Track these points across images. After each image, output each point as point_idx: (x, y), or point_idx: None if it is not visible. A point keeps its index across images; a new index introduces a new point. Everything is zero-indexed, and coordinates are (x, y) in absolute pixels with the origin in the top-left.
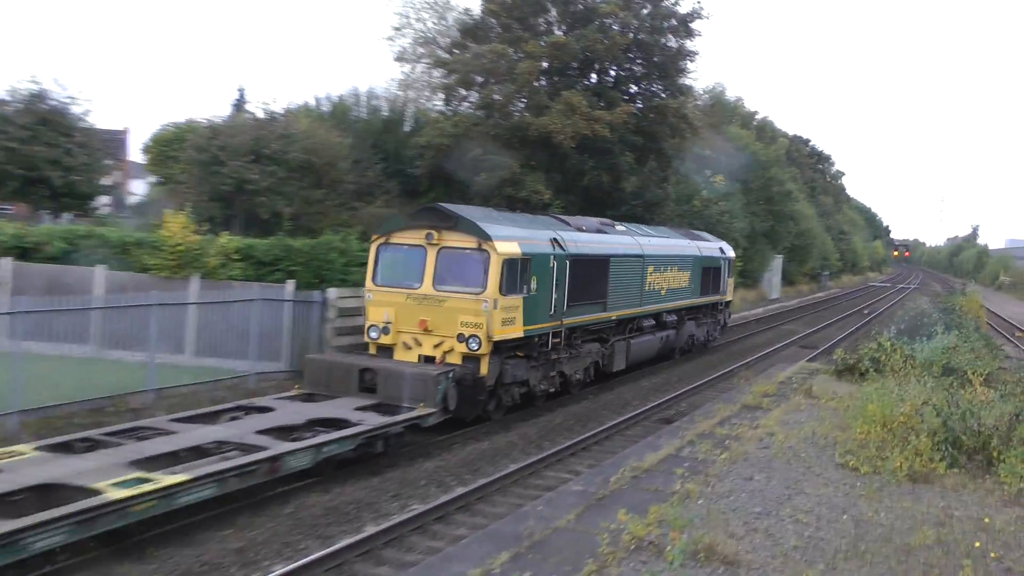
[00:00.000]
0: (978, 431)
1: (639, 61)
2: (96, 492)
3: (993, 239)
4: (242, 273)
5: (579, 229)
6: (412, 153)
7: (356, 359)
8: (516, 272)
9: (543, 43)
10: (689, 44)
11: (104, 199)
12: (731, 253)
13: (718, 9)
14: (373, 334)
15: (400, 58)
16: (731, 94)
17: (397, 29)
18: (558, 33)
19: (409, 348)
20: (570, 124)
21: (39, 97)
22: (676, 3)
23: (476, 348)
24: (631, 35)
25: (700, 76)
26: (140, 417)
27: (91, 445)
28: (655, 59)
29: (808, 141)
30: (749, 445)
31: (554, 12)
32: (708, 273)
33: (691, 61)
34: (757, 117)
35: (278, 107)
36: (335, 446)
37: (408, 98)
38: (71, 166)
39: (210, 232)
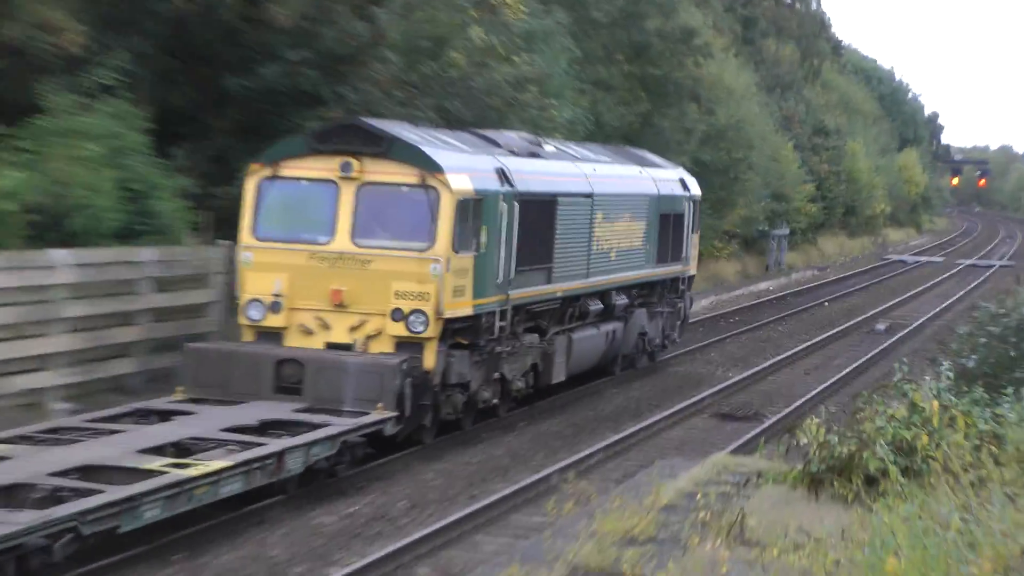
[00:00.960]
0: None
1: None
2: (151, 472)
3: None
4: None
5: (512, 151)
6: None
7: (266, 347)
8: (468, 219)
9: None
10: None
11: None
12: (696, 189)
13: None
14: (254, 313)
15: None
16: None
17: None
18: None
19: (311, 333)
20: None
21: None
22: None
23: (420, 330)
24: None
25: None
26: None
27: (48, 440)
28: None
29: None
30: None
31: None
32: (667, 225)
33: None
34: None
35: None
36: (320, 448)
37: None
38: None
39: None
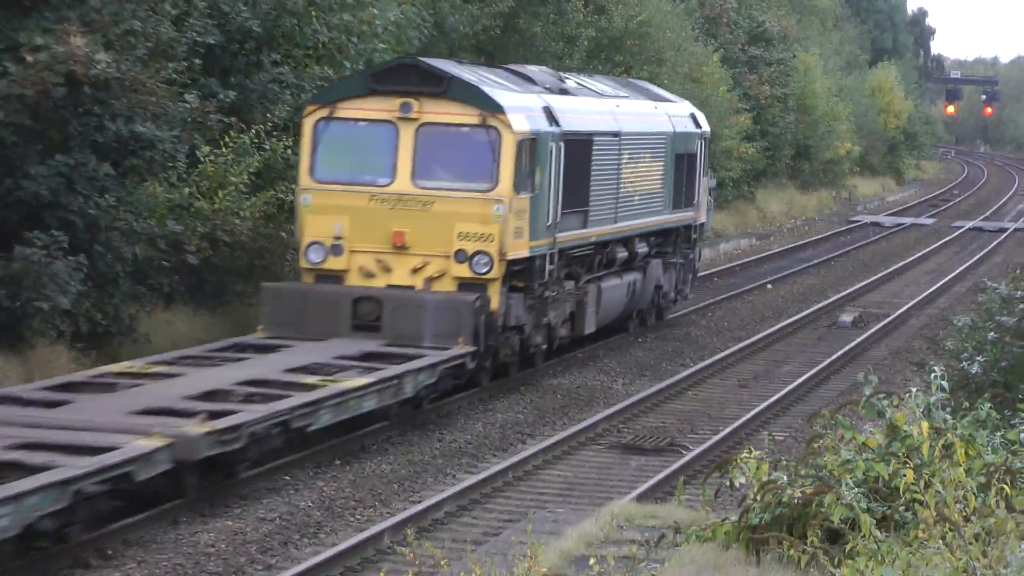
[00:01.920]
0: None
1: None
2: (309, 386)
3: None
4: None
5: (547, 88)
6: None
7: (342, 286)
8: (525, 160)
9: None
10: None
11: None
12: (707, 126)
13: None
14: (315, 256)
15: None
16: None
17: None
18: None
19: (372, 275)
20: None
21: None
22: None
23: (484, 271)
24: None
25: None
26: None
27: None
28: None
29: None
30: None
31: None
32: (682, 166)
33: None
34: None
35: None
36: (425, 376)
37: None
38: None
39: None
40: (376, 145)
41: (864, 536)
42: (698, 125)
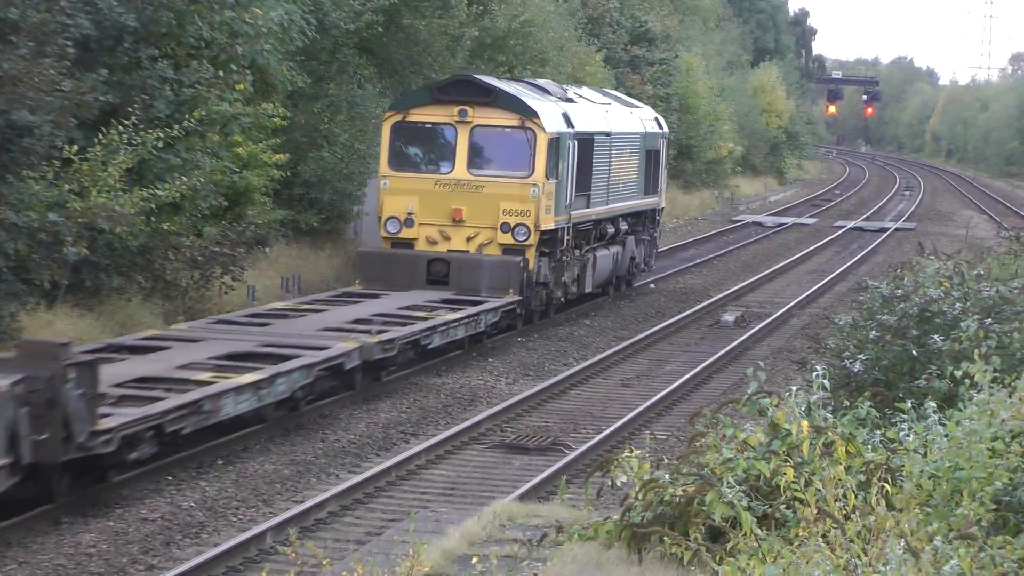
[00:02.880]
0: None
1: None
2: (422, 318)
3: None
4: None
5: (559, 98)
6: None
7: (419, 250)
8: (552, 154)
9: None
10: None
11: None
12: (666, 127)
13: None
14: (392, 227)
15: None
16: None
17: None
18: None
19: (435, 243)
20: None
21: None
22: None
23: (524, 239)
24: None
25: None
26: None
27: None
28: None
29: None
30: None
31: None
32: (650, 160)
33: None
34: None
35: None
36: (491, 316)
37: None
38: None
39: None
40: (439, 142)
41: (745, 534)
42: (661, 127)
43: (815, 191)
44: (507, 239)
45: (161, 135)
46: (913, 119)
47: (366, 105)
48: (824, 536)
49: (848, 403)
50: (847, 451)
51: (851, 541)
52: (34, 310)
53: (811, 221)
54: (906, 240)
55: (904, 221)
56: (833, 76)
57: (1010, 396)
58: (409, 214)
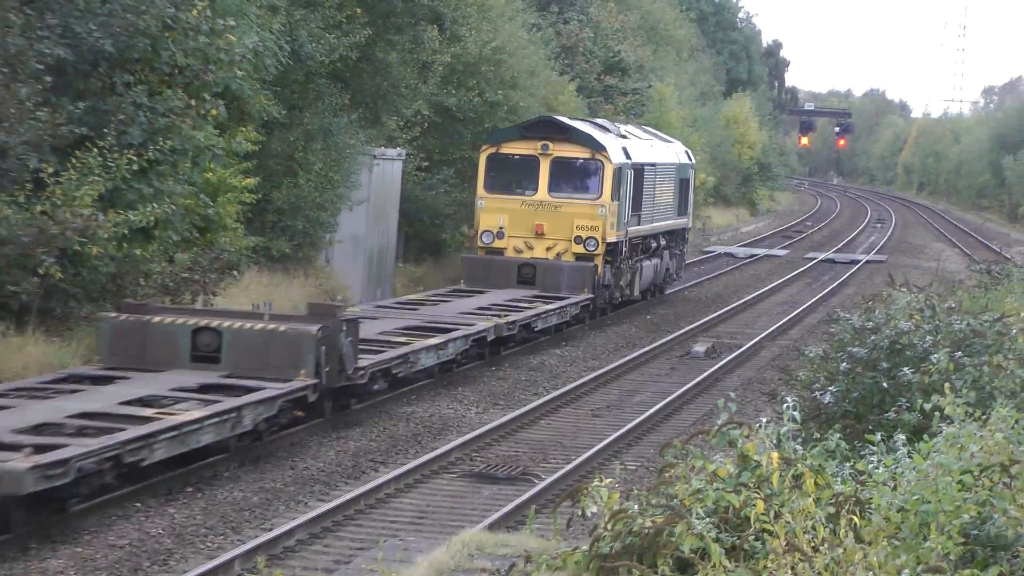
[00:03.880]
0: None
1: None
2: (533, 305)
3: None
4: None
5: (616, 134)
6: None
7: (509, 257)
8: (616, 181)
9: None
10: None
11: None
12: (693, 159)
13: None
14: (487, 239)
15: None
16: None
17: None
18: None
19: (520, 252)
20: None
21: None
22: None
23: (594, 248)
24: None
25: None
26: None
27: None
28: None
29: None
30: None
31: None
32: (683, 187)
33: None
34: None
35: None
36: (572, 309)
37: None
38: None
39: None
40: (525, 170)
41: (714, 566)
42: (690, 158)
43: (787, 222)
44: (580, 249)
45: (134, 157)
46: (885, 151)
47: (340, 135)
48: (792, 568)
49: (818, 435)
50: (816, 483)
51: (819, 574)
52: (4, 334)
53: (782, 252)
54: (877, 272)
55: (875, 253)
56: (806, 108)
57: (981, 428)
58: (500, 228)
